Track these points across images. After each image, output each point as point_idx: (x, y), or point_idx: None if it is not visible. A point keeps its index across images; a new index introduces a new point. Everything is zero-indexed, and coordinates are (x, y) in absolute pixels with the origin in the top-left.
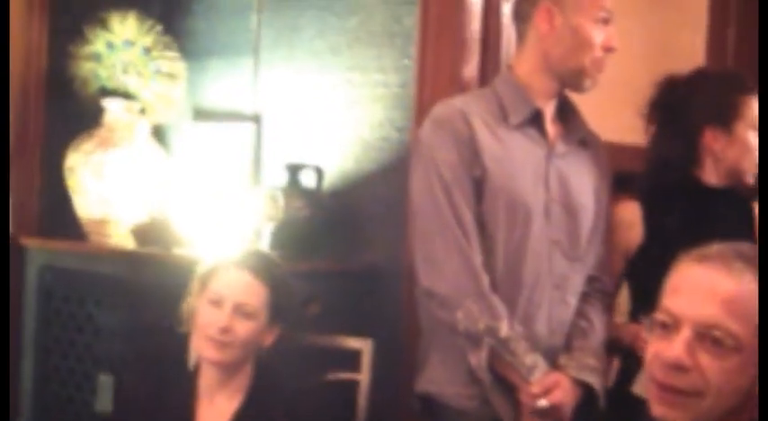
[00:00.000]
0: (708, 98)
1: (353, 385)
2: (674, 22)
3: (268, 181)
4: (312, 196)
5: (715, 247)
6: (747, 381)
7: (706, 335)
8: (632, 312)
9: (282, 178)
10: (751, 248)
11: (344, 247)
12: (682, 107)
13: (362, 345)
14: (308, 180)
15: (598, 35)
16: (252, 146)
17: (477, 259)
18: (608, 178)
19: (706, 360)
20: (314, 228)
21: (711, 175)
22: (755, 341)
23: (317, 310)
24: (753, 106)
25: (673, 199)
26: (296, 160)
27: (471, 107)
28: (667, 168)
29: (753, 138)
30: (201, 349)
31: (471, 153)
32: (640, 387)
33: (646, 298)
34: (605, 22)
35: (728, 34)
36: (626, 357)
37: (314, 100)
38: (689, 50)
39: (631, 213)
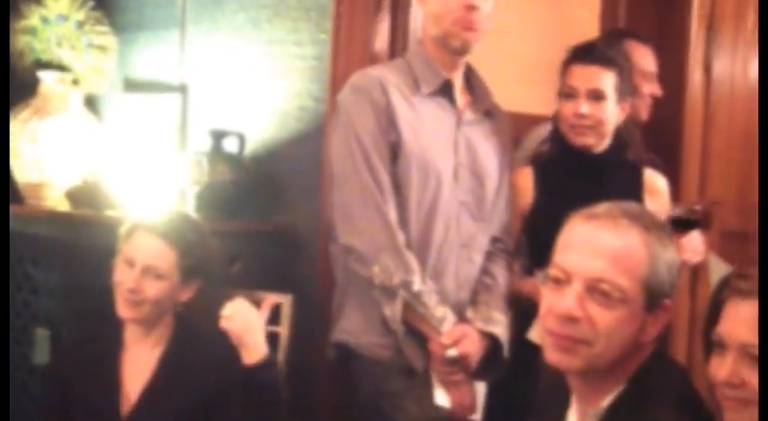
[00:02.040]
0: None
1: (275, 337)
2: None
3: (193, 147)
4: (234, 161)
5: (603, 206)
6: (633, 331)
7: (595, 289)
8: (528, 267)
9: (207, 144)
10: (637, 207)
11: (265, 209)
12: None
13: (283, 300)
14: (230, 146)
15: None
16: (178, 114)
17: (393, 217)
18: (510, 147)
19: (595, 311)
20: (236, 192)
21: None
22: (641, 294)
23: (240, 268)
24: (569, 75)
25: (553, 163)
26: (219, 127)
27: (388, 77)
28: (550, 135)
29: (564, 104)
30: (118, 306)
31: (387, 119)
32: (535, 333)
33: (539, 254)
34: None
35: (620, 11)
36: (520, 306)
37: (236, 71)
38: (583, 27)
39: (525, 179)
